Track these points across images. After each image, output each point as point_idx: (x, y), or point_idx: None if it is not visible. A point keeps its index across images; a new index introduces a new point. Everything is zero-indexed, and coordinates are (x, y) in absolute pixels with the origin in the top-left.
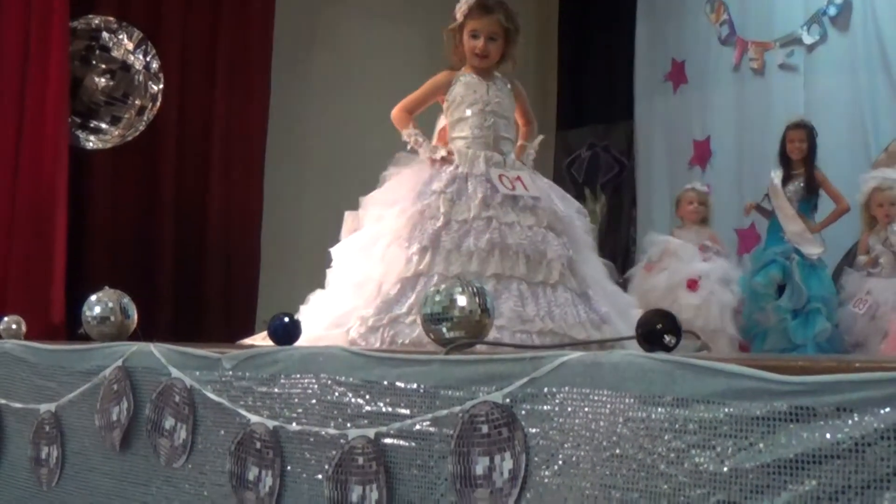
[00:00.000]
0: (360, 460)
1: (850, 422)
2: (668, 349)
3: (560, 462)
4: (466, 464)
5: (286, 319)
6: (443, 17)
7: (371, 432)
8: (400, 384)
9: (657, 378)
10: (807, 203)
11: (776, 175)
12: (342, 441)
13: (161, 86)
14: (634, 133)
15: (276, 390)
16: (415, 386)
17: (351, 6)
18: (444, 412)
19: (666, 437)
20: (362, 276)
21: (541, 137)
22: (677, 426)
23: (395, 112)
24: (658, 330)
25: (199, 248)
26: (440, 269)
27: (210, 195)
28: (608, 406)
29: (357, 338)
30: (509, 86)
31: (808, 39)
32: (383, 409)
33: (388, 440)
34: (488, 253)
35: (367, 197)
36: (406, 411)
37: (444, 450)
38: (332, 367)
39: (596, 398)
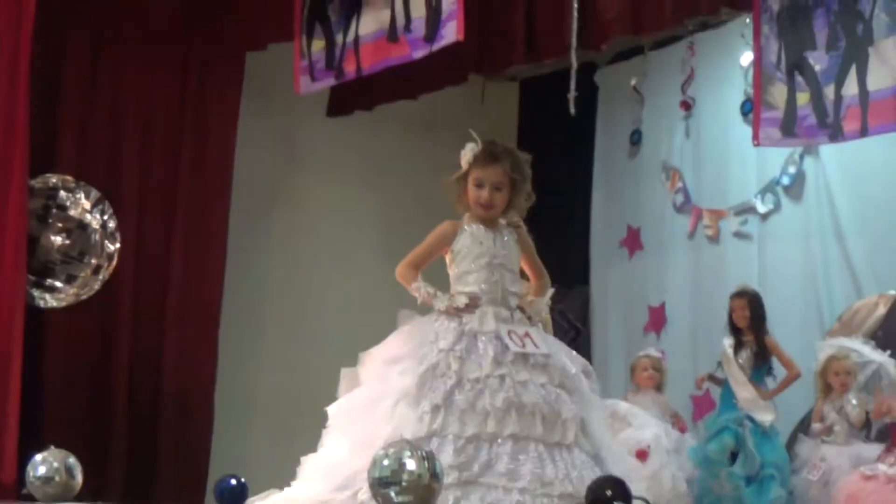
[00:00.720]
0: None
1: None
2: None
3: None
4: None
5: (233, 482)
6: (399, 181)
7: None
8: None
9: None
10: (759, 370)
11: (728, 343)
12: None
13: (117, 245)
14: (590, 298)
15: None
16: None
17: (309, 168)
18: None
19: None
20: (367, 437)
21: (551, 292)
22: None
23: (401, 269)
24: (608, 497)
25: (153, 407)
26: (454, 429)
27: (165, 355)
28: None
29: (368, 500)
30: (515, 236)
31: (761, 208)
32: None
33: None
34: (505, 413)
35: (367, 353)
36: None
37: None
38: None
39: None
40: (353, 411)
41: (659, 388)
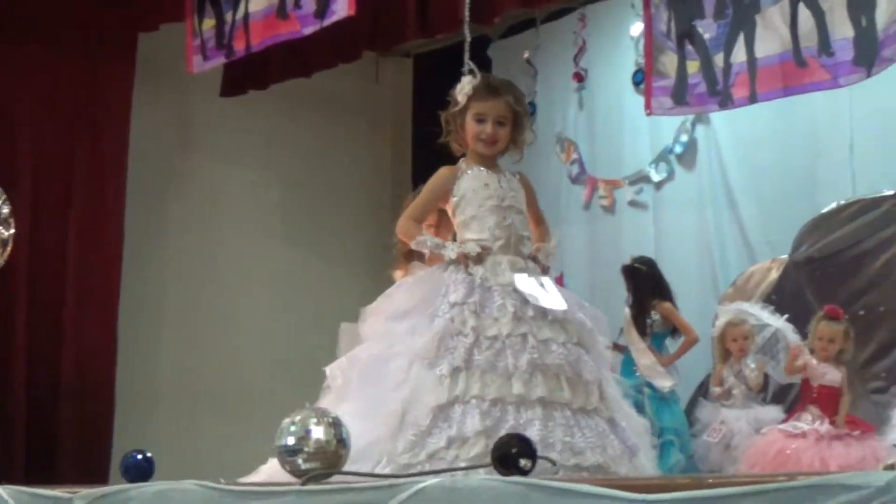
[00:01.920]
0: None
1: None
2: (523, 473)
3: None
4: None
5: (139, 457)
6: (298, 161)
7: None
8: None
9: (513, 501)
10: (659, 335)
11: (627, 311)
12: None
13: (12, 230)
14: None
15: None
16: None
17: (205, 149)
18: None
19: None
20: (378, 401)
21: (557, 238)
22: None
23: (401, 224)
24: (513, 454)
25: (53, 390)
26: (475, 391)
27: (64, 339)
28: None
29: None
30: (517, 177)
31: (655, 177)
32: None
33: None
34: (531, 375)
35: (369, 308)
36: None
37: None
38: (186, 502)
39: None
40: (358, 373)
41: None
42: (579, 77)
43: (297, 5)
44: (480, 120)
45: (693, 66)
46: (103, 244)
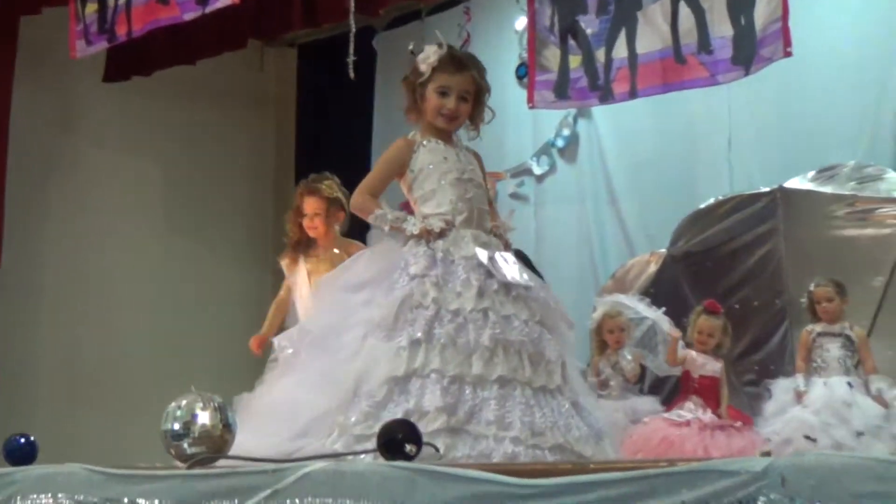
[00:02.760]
0: None
1: None
2: (409, 458)
3: None
4: None
5: (22, 440)
6: (182, 148)
7: None
8: (141, 501)
9: (399, 485)
10: None
11: None
12: None
13: None
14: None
15: None
16: (157, 502)
17: (87, 135)
18: None
19: None
20: (328, 373)
21: (513, 211)
22: None
23: (356, 199)
24: (399, 440)
25: None
26: (436, 365)
27: None
28: None
29: (341, 449)
30: (472, 153)
31: (537, 170)
32: None
33: None
34: (492, 352)
35: (324, 278)
36: None
37: None
38: (70, 485)
39: None
40: (309, 343)
41: None
42: None
43: None
44: (443, 93)
45: (575, 61)
46: None
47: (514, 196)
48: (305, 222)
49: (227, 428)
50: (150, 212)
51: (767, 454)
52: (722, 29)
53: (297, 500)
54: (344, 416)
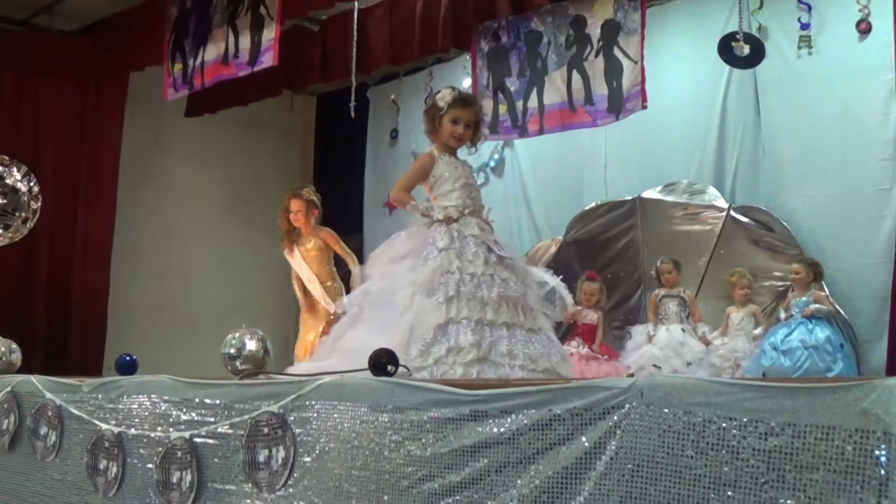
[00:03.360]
0: (179, 454)
1: (509, 420)
2: (390, 374)
3: (317, 452)
4: (253, 454)
5: (127, 358)
6: (235, 164)
7: (187, 434)
8: (207, 400)
9: (382, 394)
10: None
11: None
12: (167, 441)
13: (39, 203)
14: (363, 242)
15: (120, 406)
16: (218, 402)
17: (173, 156)
18: (238, 419)
19: (388, 433)
20: (388, 321)
21: (491, 208)
22: (396, 425)
23: (395, 193)
24: (384, 362)
25: (64, 312)
26: (465, 314)
27: (71, 277)
28: (350, 413)
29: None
30: (468, 165)
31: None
32: (195, 418)
33: (198, 440)
34: (499, 304)
35: (374, 253)
36: (212, 419)
37: (237, 445)
38: (160, 389)
39: (342, 408)
40: (370, 302)
41: None
42: None
43: (236, 55)
44: (455, 122)
45: (503, 108)
46: (101, 214)
47: None
48: (291, 217)
49: (266, 352)
50: (215, 207)
51: (631, 376)
52: (601, 89)
53: (313, 402)
54: (405, 353)
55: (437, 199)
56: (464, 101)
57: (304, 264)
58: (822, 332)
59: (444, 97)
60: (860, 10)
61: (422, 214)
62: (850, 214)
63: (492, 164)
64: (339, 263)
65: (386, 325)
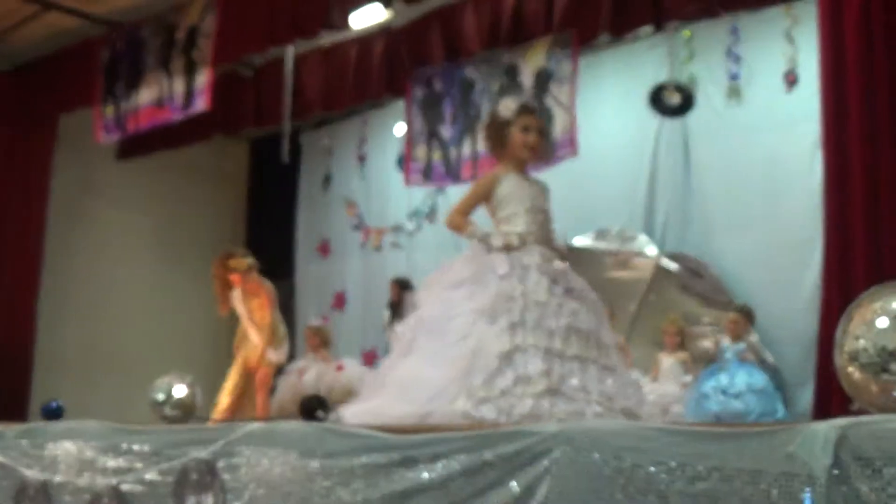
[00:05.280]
0: (106, 501)
1: (440, 465)
2: (320, 420)
3: (246, 498)
4: (181, 501)
5: (54, 404)
6: (167, 208)
7: (114, 481)
8: (135, 447)
9: (312, 440)
10: None
11: (385, 314)
12: (93, 488)
13: None
14: (295, 286)
15: (45, 452)
16: (146, 448)
17: (103, 198)
18: (166, 465)
19: (318, 479)
20: (441, 353)
21: (562, 232)
22: (326, 471)
23: (452, 218)
24: (314, 407)
25: None
26: (532, 342)
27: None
28: (279, 459)
29: (470, 409)
30: (540, 184)
31: (409, 227)
32: (123, 465)
33: (126, 487)
34: (567, 334)
35: (427, 279)
36: (140, 465)
37: (165, 492)
38: (86, 435)
39: (272, 453)
40: (423, 331)
41: (326, 345)
42: (361, 158)
43: (171, 100)
44: (526, 130)
45: (437, 156)
46: (27, 258)
47: (393, 245)
48: (236, 288)
49: (195, 398)
50: (147, 251)
51: (560, 420)
52: None
53: (242, 448)
54: (468, 383)
55: (500, 223)
56: (529, 108)
57: (243, 311)
58: (761, 376)
59: (507, 107)
60: (788, 62)
61: (479, 240)
62: (777, 261)
63: (425, 209)
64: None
65: (441, 355)
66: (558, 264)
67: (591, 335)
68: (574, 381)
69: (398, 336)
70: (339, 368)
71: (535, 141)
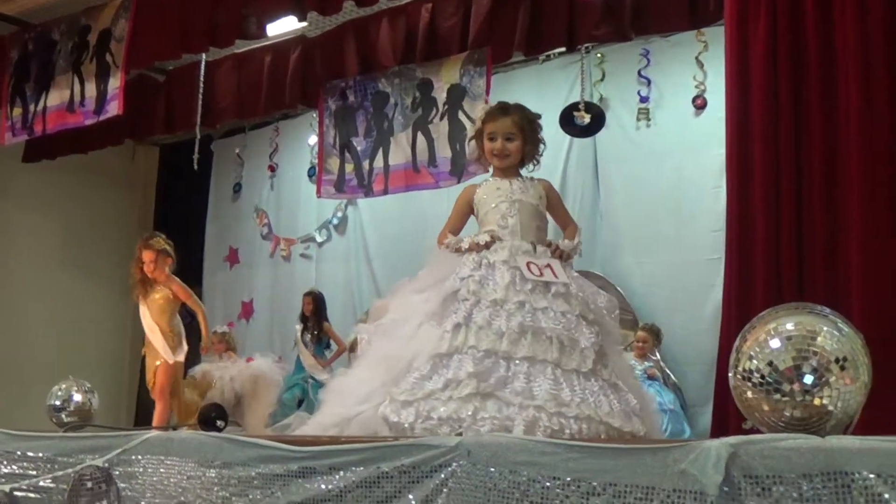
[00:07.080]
0: None
1: (337, 476)
2: (219, 430)
3: None
4: None
5: None
6: (74, 212)
7: (7, 488)
8: (30, 453)
9: (210, 449)
10: (319, 345)
11: (298, 327)
12: None
13: None
14: (203, 294)
15: None
16: (41, 454)
17: (9, 201)
18: (61, 473)
19: (215, 489)
20: (385, 355)
21: (580, 230)
22: (223, 481)
23: (439, 236)
24: (212, 417)
25: None
26: (472, 343)
27: None
28: (176, 468)
29: (389, 413)
30: (538, 182)
31: (319, 239)
32: (17, 471)
33: (19, 493)
34: (519, 335)
35: (398, 284)
36: (34, 472)
37: (60, 500)
38: None
39: (168, 462)
40: (376, 336)
41: (230, 350)
42: (272, 168)
43: (82, 104)
44: (492, 138)
45: (349, 167)
46: None
47: (303, 255)
48: (144, 267)
49: (92, 405)
50: (52, 255)
51: (459, 434)
52: (444, 151)
53: (139, 456)
54: (396, 387)
55: (481, 225)
56: (499, 110)
57: (146, 313)
58: (669, 395)
59: (479, 116)
60: (697, 87)
61: (452, 249)
62: (682, 282)
63: (335, 221)
64: (188, 314)
65: (385, 358)
66: (541, 260)
67: (555, 335)
68: (518, 385)
69: (360, 340)
70: (249, 360)
71: (500, 147)
